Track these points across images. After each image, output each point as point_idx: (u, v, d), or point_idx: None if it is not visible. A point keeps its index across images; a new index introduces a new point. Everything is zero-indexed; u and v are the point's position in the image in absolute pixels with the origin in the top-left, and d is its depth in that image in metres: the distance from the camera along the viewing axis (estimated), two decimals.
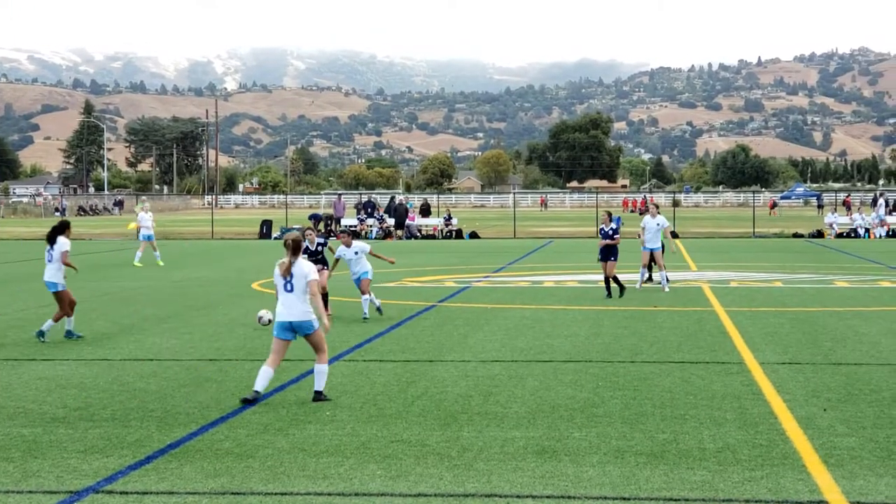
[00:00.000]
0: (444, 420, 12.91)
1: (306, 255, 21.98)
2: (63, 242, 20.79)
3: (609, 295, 27.62)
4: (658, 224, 30.05)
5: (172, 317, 23.94)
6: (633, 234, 37.25)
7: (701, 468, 10.66)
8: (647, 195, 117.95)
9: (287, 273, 14.09)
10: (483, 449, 11.45)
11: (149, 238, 41.50)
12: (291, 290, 14.09)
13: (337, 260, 23.59)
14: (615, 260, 27.85)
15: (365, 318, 22.98)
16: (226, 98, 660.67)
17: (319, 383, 14.12)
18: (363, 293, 23.25)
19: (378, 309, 23.50)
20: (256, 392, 13.96)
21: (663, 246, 30.38)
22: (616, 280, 27.83)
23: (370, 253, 23.52)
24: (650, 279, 31.11)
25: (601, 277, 28.70)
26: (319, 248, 23.19)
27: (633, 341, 19.55)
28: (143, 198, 71.70)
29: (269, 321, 15.04)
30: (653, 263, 30.51)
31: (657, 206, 32.32)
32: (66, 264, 20.67)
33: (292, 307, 14.03)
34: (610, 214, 28.79)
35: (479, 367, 16.83)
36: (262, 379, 13.97)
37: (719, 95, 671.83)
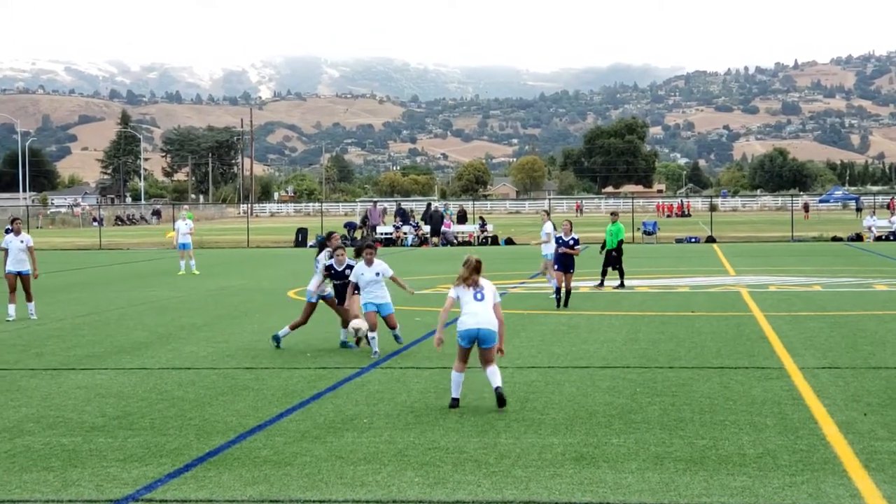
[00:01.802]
0: (481, 427, 12.88)
1: (330, 277, 20.25)
2: None
3: (560, 305, 26.47)
4: (546, 231, 30.94)
5: (209, 325, 24.02)
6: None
7: (741, 474, 10.59)
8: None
9: (475, 285, 14.46)
10: (521, 455, 11.41)
11: (184, 247, 41.62)
12: (482, 299, 14.31)
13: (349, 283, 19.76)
14: (573, 272, 27.24)
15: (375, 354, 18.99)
16: (260, 107, 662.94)
17: (497, 379, 14.05)
18: (371, 328, 19.11)
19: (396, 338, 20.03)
20: (455, 399, 14.15)
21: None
22: (569, 292, 26.90)
23: (391, 278, 19.63)
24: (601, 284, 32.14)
25: (638, 283, 28.68)
26: (347, 270, 19.81)
27: (670, 346, 19.45)
28: (186, 207, 71.91)
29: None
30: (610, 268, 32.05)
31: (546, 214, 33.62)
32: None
33: (482, 315, 14.17)
34: (571, 224, 28.07)
35: (515, 373, 16.79)
36: (458, 385, 14.19)
37: (756, 99, 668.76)
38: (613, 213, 33.54)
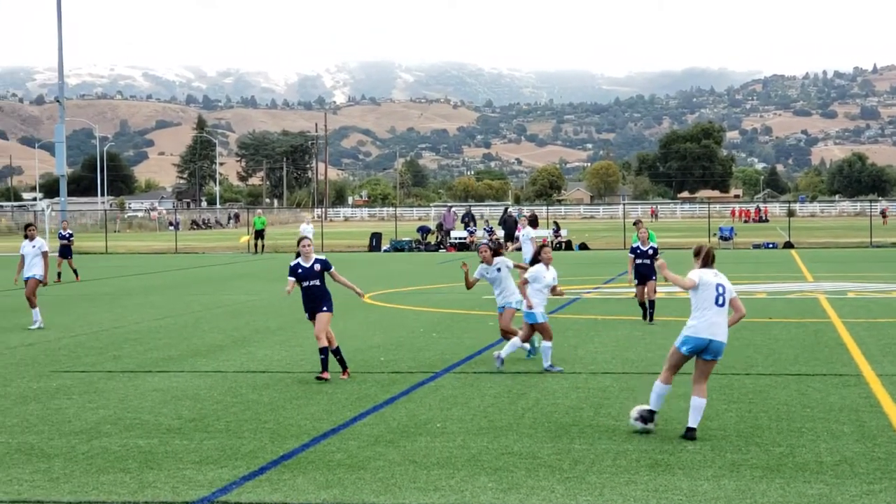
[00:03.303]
0: (554, 432, 12.83)
1: (300, 274, 17.18)
2: None
3: (647, 318, 24.47)
4: (523, 235, 31.24)
5: (283, 329, 24.16)
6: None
7: (818, 481, 10.46)
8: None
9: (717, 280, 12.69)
10: (595, 461, 11.35)
11: None
12: (723, 305, 12.74)
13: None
14: (655, 278, 24.41)
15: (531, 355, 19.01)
16: (335, 111, 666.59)
17: (695, 419, 12.53)
18: (505, 333, 18.94)
19: (530, 352, 19.06)
20: (651, 411, 12.74)
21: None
22: (653, 303, 24.57)
23: (515, 266, 19.22)
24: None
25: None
26: (316, 266, 17.19)
27: (747, 353, 19.26)
28: (259, 211, 72.39)
29: None
30: None
31: (529, 219, 33.20)
32: None
33: (721, 326, 12.67)
34: (648, 232, 25.75)
35: (589, 378, 16.72)
36: (660, 398, 12.86)
37: (834, 103, 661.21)
38: (636, 222, 32.65)
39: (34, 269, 25.44)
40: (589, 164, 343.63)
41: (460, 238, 67.74)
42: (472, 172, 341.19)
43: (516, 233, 31.37)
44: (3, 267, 26.17)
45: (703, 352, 12.65)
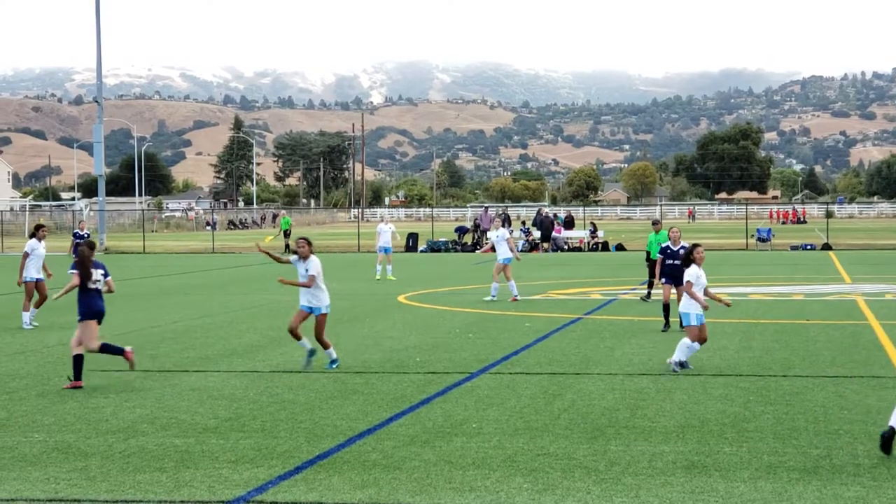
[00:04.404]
0: (590, 433, 12.81)
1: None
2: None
3: (668, 325, 23.62)
4: (498, 236, 31.42)
5: None
6: None
7: (855, 483, 10.39)
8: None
9: None
10: (631, 463, 11.32)
11: (386, 251, 40.63)
12: None
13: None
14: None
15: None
16: (372, 112, 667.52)
17: None
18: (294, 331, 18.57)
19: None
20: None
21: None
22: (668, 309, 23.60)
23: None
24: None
25: (752, 290, 28.05)
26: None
27: (784, 355, 19.17)
28: (283, 212, 72.46)
29: None
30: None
31: (502, 219, 33.08)
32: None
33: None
34: (680, 233, 24.48)
35: (626, 380, 16.68)
36: None
37: (873, 104, 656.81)
38: (656, 222, 32.27)
39: (43, 271, 25.63)
40: (626, 165, 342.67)
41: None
42: (509, 173, 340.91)
43: (489, 233, 31.75)
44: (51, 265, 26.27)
45: None
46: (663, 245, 24.13)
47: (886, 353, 19.35)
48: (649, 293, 30.29)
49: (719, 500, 9.93)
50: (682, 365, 17.57)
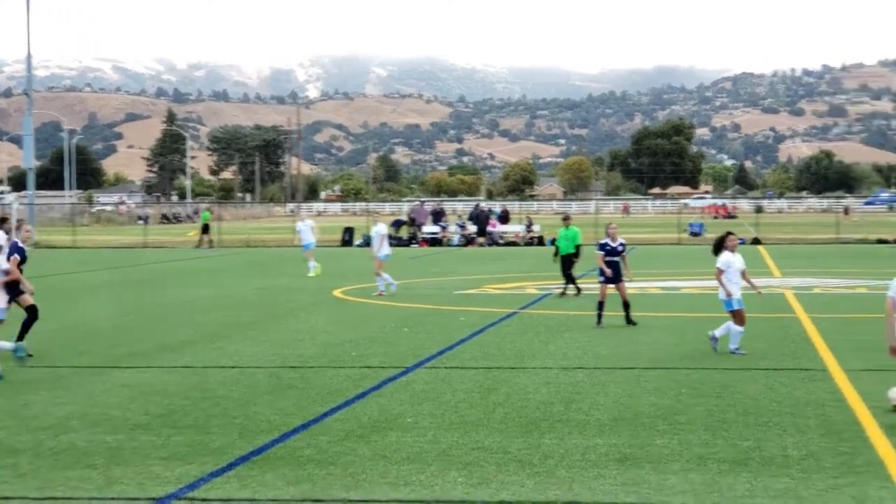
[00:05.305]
0: (525, 427, 12.87)
1: None
2: None
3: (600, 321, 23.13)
4: (376, 232, 31.78)
5: (254, 324, 24.10)
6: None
7: (784, 475, 10.53)
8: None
9: None
10: (565, 456, 11.39)
11: (307, 247, 40.10)
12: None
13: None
14: (623, 280, 23.47)
15: None
16: (308, 106, 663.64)
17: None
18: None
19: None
20: None
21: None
22: (627, 304, 23.30)
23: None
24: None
25: (685, 284, 28.29)
26: None
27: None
28: (205, 206, 71.84)
29: None
30: None
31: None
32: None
33: None
34: (616, 228, 24.10)
35: (560, 373, 16.77)
36: None
37: (802, 101, 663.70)
38: (566, 217, 32.45)
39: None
40: (561, 160, 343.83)
41: (432, 233, 67.75)
42: (445, 167, 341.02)
43: (373, 230, 31.89)
44: None
45: None
46: (602, 242, 23.68)
47: (814, 345, 19.61)
48: (576, 288, 30.30)
49: (651, 492, 10.02)
50: (735, 351, 18.69)
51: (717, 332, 18.92)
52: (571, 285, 30.45)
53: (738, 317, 18.67)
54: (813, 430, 12.54)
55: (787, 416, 13.28)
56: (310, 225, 40.90)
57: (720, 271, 18.95)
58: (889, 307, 13.46)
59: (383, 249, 31.36)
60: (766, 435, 12.29)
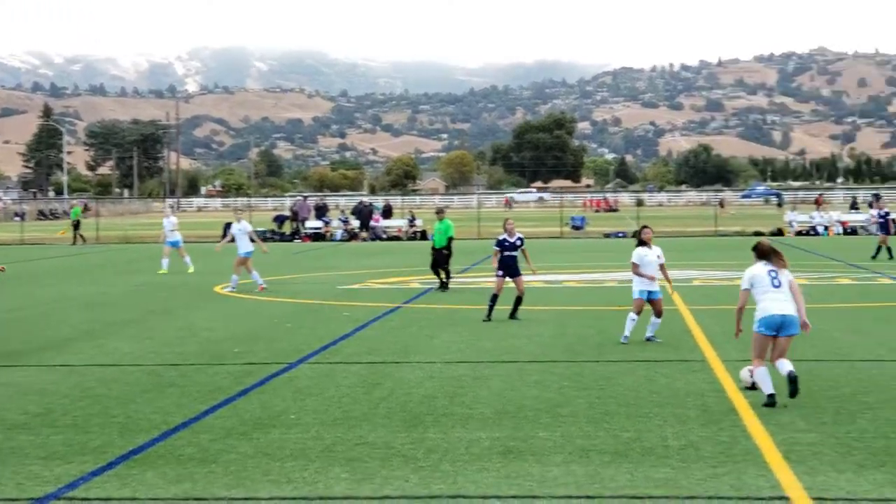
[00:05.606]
0: (409, 422, 12.89)
1: None
2: None
3: (491, 316, 22.97)
4: (239, 230, 31.45)
5: (134, 322, 23.78)
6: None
7: (664, 465, 10.69)
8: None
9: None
10: (449, 450, 11.43)
11: (175, 244, 39.55)
12: (779, 286, 14.65)
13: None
14: (521, 275, 23.52)
15: None
16: (187, 100, 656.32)
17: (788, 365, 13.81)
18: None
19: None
20: (773, 395, 13.50)
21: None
22: (520, 299, 23.40)
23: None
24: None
25: (566, 277, 28.54)
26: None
27: (598, 341, 19.59)
28: (74, 202, 70.63)
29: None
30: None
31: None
32: None
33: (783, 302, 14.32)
34: (513, 223, 24.11)
35: (444, 368, 16.81)
36: (768, 379, 13.72)
37: (681, 95, 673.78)
38: (439, 211, 32.58)
39: None
40: (444, 154, 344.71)
41: (315, 228, 67.52)
42: (328, 162, 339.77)
43: (233, 226, 31.74)
44: None
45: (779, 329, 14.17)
46: (500, 238, 23.64)
47: (694, 337, 19.94)
48: (442, 282, 30.40)
49: (534, 485, 10.11)
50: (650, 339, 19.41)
51: (649, 332, 19.56)
52: (445, 277, 30.46)
53: (655, 306, 19.42)
54: (692, 420, 12.76)
55: (667, 407, 13.49)
56: (174, 222, 40.25)
57: (635, 265, 19.47)
58: (742, 299, 14.98)
59: (244, 247, 31.06)
60: (647, 426, 12.47)
